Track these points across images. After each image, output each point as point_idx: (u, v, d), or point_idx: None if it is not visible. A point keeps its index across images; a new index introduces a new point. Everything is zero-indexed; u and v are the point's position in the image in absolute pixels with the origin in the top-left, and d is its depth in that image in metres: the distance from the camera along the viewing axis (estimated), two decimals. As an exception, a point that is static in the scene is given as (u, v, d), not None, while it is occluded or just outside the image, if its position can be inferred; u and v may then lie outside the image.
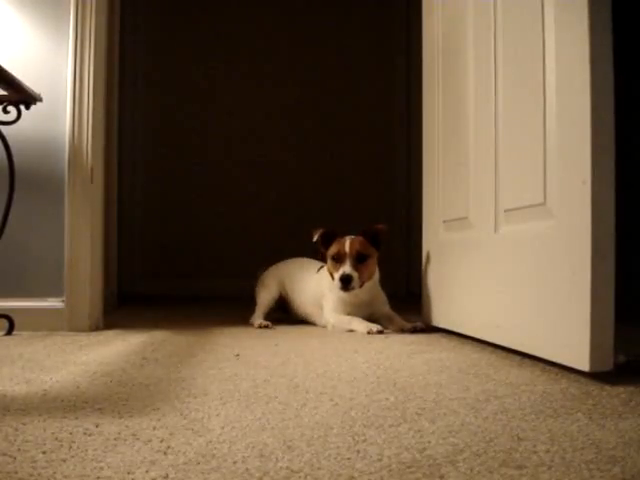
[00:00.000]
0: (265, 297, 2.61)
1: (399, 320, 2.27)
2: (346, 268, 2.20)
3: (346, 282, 2.18)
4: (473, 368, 1.46)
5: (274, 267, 2.74)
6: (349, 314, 2.29)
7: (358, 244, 2.24)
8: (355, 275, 2.19)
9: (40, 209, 2.27)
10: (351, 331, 2.19)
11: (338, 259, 2.24)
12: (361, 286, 2.23)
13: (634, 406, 1.08)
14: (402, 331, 2.18)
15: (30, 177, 2.23)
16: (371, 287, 2.32)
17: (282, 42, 4.31)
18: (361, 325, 2.17)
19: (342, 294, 2.25)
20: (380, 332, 2.10)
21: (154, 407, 1.08)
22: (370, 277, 2.28)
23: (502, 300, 1.69)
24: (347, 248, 2.22)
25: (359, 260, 2.23)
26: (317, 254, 2.44)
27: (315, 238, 2.33)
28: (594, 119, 1.27)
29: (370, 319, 2.26)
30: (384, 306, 2.36)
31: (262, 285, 2.67)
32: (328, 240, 2.31)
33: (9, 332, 2.11)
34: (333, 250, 2.26)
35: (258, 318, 2.45)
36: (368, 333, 2.10)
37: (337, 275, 2.20)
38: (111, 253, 3.12)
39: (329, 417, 1.01)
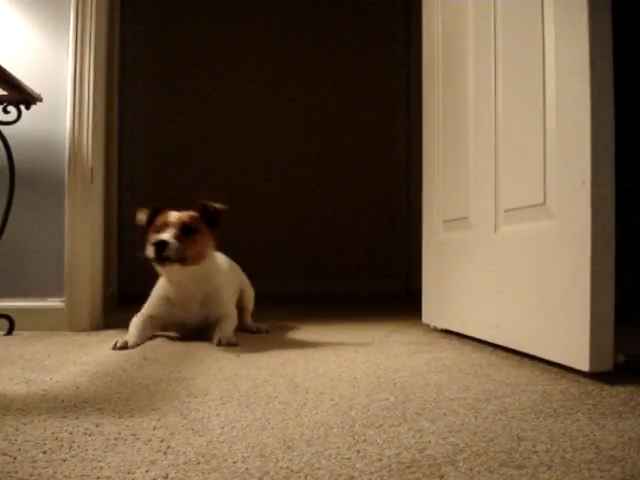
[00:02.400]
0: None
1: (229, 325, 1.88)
2: (164, 234, 1.75)
3: (159, 247, 1.71)
4: (473, 368, 1.46)
5: None
6: (173, 315, 1.92)
7: (186, 216, 1.83)
8: (173, 243, 1.73)
9: (40, 209, 2.27)
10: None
11: (159, 230, 1.79)
12: (184, 263, 1.78)
13: (634, 406, 1.08)
14: (219, 343, 1.78)
15: (30, 177, 2.23)
16: (203, 275, 1.88)
17: (282, 41, 4.31)
18: (130, 332, 1.84)
19: (160, 271, 1.85)
20: (122, 348, 1.72)
21: (154, 407, 1.08)
22: (198, 257, 1.82)
23: (502, 300, 1.69)
24: (171, 218, 1.81)
25: (185, 232, 1.79)
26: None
27: (143, 218, 1.88)
28: (594, 119, 1.27)
29: (206, 326, 1.91)
30: (222, 308, 1.94)
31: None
32: (154, 217, 1.87)
33: (9, 332, 2.11)
34: (156, 222, 1.83)
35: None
36: (112, 347, 1.72)
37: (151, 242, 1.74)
38: (111, 253, 3.12)
39: (329, 417, 1.01)
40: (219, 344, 1.78)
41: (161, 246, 1.71)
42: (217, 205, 1.89)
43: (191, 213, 1.86)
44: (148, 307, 1.96)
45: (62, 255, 2.25)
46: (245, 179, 4.26)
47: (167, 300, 1.93)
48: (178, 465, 0.78)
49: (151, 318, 1.93)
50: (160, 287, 1.97)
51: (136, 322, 1.90)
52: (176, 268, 1.79)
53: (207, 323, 1.93)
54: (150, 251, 1.73)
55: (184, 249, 1.76)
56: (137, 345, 1.78)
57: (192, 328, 1.95)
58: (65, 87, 2.27)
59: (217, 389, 1.22)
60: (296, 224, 4.28)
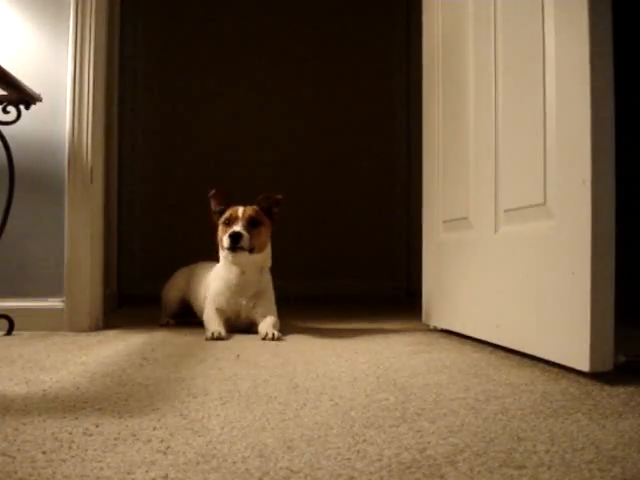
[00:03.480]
0: (171, 295, 2.53)
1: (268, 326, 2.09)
2: (236, 227, 2.07)
3: (235, 239, 2.03)
4: (473, 368, 1.46)
5: (182, 269, 2.63)
6: (230, 304, 2.17)
7: (252, 210, 2.15)
8: (246, 235, 2.06)
9: (40, 209, 2.27)
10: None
11: (229, 223, 2.12)
12: (251, 251, 2.08)
13: (634, 406, 1.08)
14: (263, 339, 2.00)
15: (30, 177, 2.23)
16: (261, 264, 2.19)
17: (282, 41, 4.31)
18: (211, 326, 2.08)
19: (230, 258, 2.11)
20: (218, 338, 1.98)
21: (154, 407, 1.08)
22: (262, 246, 2.15)
23: (502, 300, 1.69)
24: (240, 213, 2.13)
25: (252, 224, 2.12)
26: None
27: (211, 193, 2.25)
28: (594, 119, 1.27)
29: (250, 315, 2.19)
30: (268, 303, 2.22)
31: (167, 285, 2.59)
32: (222, 210, 2.20)
33: (9, 332, 2.10)
34: (225, 216, 2.16)
35: (166, 317, 2.49)
36: (205, 339, 1.98)
37: (226, 235, 2.07)
38: (111, 253, 3.12)
39: (329, 417, 1.01)
40: (265, 338, 1.98)
41: (235, 238, 2.04)
42: (277, 196, 2.24)
43: (255, 207, 2.18)
44: (214, 301, 2.20)
45: (62, 255, 2.25)
46: (245, 180, 4.25)
47: (228, 288, 2.18)
48: (178, 465, 0.78)
49: (218, 311, 2.18)
50: (219, 278, 2.21)
51: (213, 316, 2.15)
52: (245, 255, 2.09)
53: (254, 317, 2.18)
54: (226, 242, 2.05)
55: (251, 239, 2.08)
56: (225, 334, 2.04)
57: (240, 321, 2.20)
58: (65, 87, 2.26)
59: (217, 389, 1.22)
60: (295, 225, 4.28)
